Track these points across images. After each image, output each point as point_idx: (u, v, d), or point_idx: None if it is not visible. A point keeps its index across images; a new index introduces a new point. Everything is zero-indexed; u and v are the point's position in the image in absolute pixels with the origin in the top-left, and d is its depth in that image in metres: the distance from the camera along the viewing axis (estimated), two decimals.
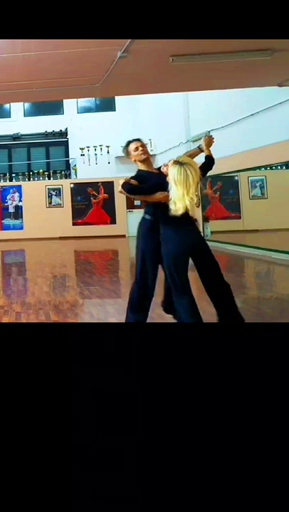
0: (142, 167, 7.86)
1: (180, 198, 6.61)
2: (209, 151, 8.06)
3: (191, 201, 6.67)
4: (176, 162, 6.74)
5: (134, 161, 7.95)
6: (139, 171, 7.86)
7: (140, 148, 7.83)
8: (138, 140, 8.01)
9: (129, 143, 8.02)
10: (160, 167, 7.79)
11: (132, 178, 7.49)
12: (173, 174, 6.64)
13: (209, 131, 21.87)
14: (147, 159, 7.92)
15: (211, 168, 7.87)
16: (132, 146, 7.89)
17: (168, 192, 6.79)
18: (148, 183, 7.40)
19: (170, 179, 6.68)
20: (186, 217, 6.83)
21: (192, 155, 8.24)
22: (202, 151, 8.23)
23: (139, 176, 7.67)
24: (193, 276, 7.14)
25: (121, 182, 7.30)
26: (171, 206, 6.69)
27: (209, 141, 8.24)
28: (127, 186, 7.23)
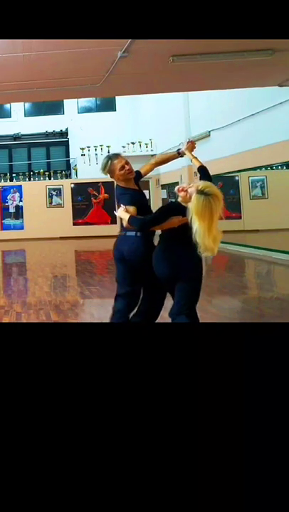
0: (126, 185, 7.10)
1: (203, 237, 5.88)
2: (197, 159, 7.30)
3: (214, 240, 5.96)
4: (201, 192, 5.88)
5: (117, 179, 7.11)
6: (125, 189, 7.08)
7: (126, 167, 6.97)
8: (120, 156, 7.16)
9: (110, 160, 7.09)
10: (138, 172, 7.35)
11: (124, 203, 6.86)
12: (196, 206, 5.88)
13: (209, 131, 21.90)
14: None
15: (210, 180, 6.70)
16: (117, 165, 6.98)
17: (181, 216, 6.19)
18: (142, 204, 6.99)
19: (192, 211, 5.90)
20: (182, 239, 6.11)
21: (168, 158, 7.84)
22: (181, 156, 7.63)
23: (132, 196, 7.06)
24: None
25: (123, 215, 6.66)
26: (199, 247, 5.94)
27: (192, 146, 7.62)
28: (137, 223, 6.49)
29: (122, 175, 7.04)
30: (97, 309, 10.11)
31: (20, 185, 31.92)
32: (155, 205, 29.97)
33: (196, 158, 7.40)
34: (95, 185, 30.54)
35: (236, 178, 22.69)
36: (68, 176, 32.51)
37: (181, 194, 6.31)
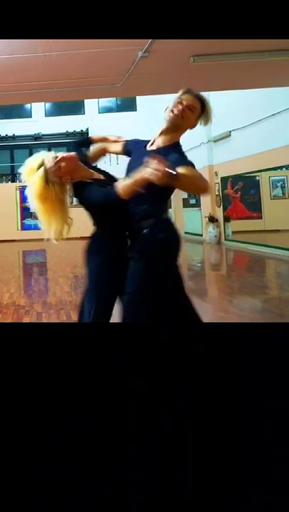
0: None
1: None
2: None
3: None
4: None
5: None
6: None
7: None
8: None
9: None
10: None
11: None
12: None
13: (230, 131, 21.89)
14: None
15: None
16: None
17: None
18: None
19: None
20: None
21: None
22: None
23: None
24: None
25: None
26: None
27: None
28: None
29: None
30: (117, 309, 10.08)
31: None
32: (176, 205, 29.95)
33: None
34: None
35: (257, 178, 22.71)
36: None
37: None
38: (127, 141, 5.72)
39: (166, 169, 4.19)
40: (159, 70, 11.73)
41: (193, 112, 5.24)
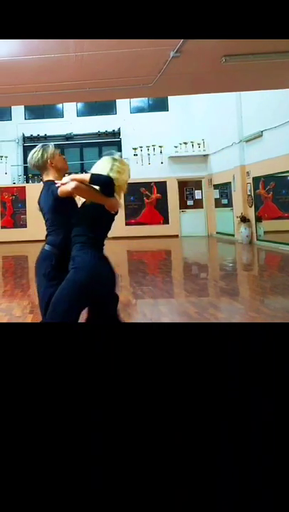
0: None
1: None
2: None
3: None
4: None
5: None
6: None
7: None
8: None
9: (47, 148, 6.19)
10: None
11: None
12: None
13: (262, 131, 21.81)
14: None
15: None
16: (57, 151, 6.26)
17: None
18: None
19: None
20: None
21: None
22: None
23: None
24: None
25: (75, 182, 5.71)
26: None
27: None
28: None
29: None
30: (150, 309, 10.08)
31: None
32: (208, 205, 29.87)
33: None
34: (147, 185, 30.51)
35: None
36: None
37: None
38: None
39: None
40: (191, 70, 11.72)
41: None
